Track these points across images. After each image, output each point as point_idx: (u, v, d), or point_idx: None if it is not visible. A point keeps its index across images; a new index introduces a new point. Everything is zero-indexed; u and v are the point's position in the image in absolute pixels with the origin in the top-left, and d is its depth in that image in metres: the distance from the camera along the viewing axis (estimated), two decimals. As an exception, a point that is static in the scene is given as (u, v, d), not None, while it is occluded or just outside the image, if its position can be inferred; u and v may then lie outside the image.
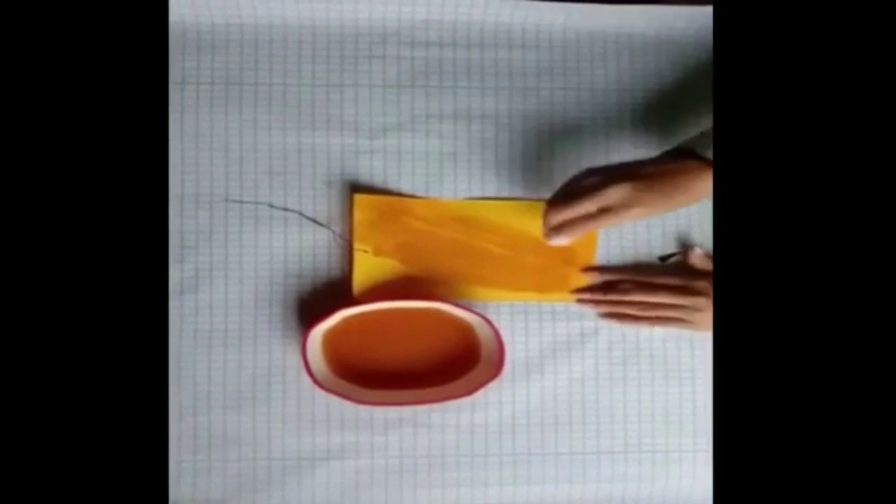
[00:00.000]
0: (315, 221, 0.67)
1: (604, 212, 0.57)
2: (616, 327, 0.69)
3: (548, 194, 0.69)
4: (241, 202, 0.67)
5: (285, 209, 0.67)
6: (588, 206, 0.57)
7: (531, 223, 0.68)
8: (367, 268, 0.67)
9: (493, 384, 0.65)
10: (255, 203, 0.67)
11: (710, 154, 0.56)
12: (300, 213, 0.67)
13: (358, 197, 0.67)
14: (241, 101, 0.67)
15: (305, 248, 0.67)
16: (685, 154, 0.58)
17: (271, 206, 0.67)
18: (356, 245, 0.67)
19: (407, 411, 0.67)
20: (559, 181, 0.68)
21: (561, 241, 0.59)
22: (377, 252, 0.67)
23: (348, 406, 0.65)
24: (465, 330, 0.67)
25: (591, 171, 0.59)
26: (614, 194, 0.56)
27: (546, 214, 0.60)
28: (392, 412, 0.67)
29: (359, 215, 0.67)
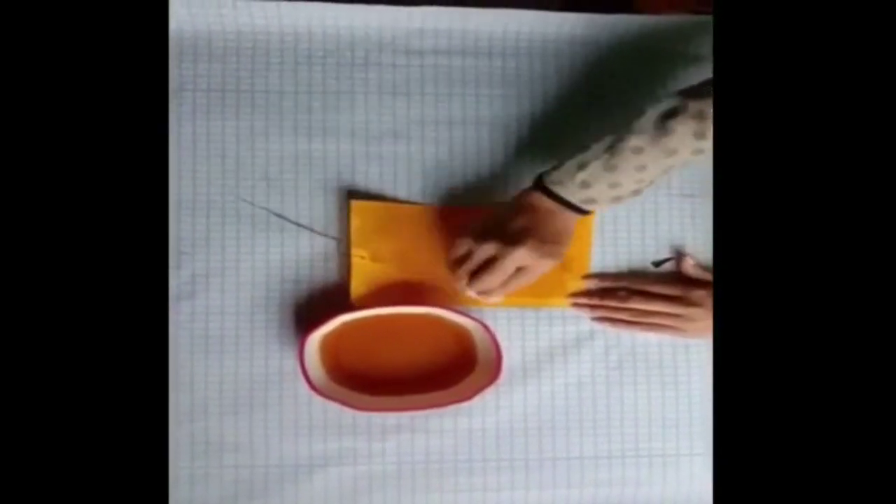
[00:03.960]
0: (312, 230, 0.67)
1: (520, 270, 0.61)
2: (611, 331, 0.70)
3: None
4: (242, 200, 0.67)
5: (281, 216, 0.67)
6: (497, 277, 0.61)
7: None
8: (365, 274, 0.67)
9: (490, 389, 0.66)
10: (253, 205, 0.67)
11: (574, 199, 0.59)
12: (298, 224, 0.67)
13: (355, 203, 0.67)
14: (239, 108, 0.67)
15: (302, 254, 0.67)
16: (547, 200, 0.60)
17: (269, 211, 0.67)
18: (353, 251, 0.67)
19: (405, 417, 0.67)
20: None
21: (493, 300, 0.63)
22: (374, 258, 0.67)
23: (346, 412, 0.65)
24: (462, 335, 0.68)
25: (476, 236, 0.61)
26: (517, 260, 0.60)
27: (468, 284, 0.62)
28: (390, 418, 0.67)
29: (356, 222, 0.67)
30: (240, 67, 0.68)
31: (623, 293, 0.69)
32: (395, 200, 0.68)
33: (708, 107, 0.55)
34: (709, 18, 0.70)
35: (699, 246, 0.71)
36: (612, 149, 0.58)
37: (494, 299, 0.63)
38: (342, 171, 0.68)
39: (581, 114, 0.71)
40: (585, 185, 0.58)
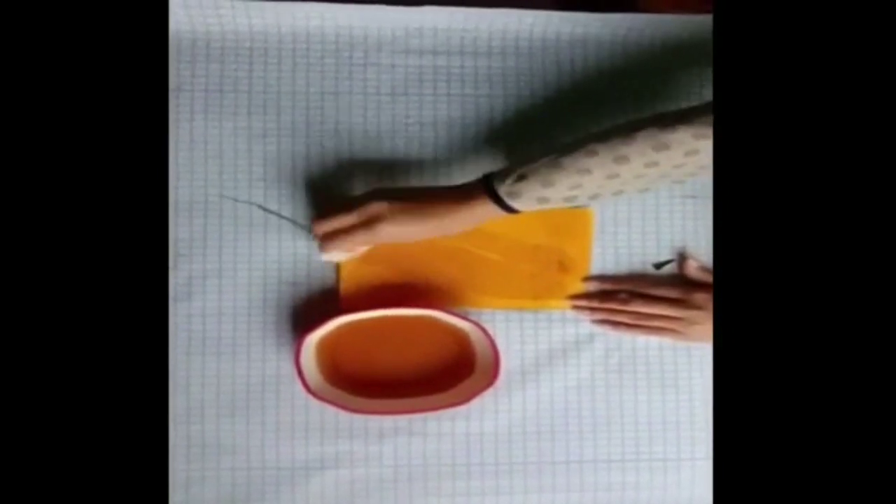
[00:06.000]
0: (307, 227, 0.67)
1: (363, 225, 0.58)
2: (612, 334, 0.69)
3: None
4: (240, 201, 0.67)
5: (279, 214, 0.67)
6: (348, 218, 0.59)
7: (525, 230, 0.68)
8: (354, 276, 0.67)
9: (488, 392, 0.65)
10: (251, 205, 0.67)
11: (501, 188, 0.57)
12: (295, 222, 0.67)
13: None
14: (236, 108, 0.67)
15: (299, 256, 0.67)
16: (479, 185, 0.58)
17: (266, 210, 0.67)
18: None
19: (402, 420, 0.67)
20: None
21: (330, 256, 0.61)
22: (364, 260, 0.66)
23: (342, 415, 0.65)
24: (459, 337, 0.67)
25: (375, 192, 0.60)
26: (372, 208, 0.58)
27: (313, 226, 0.61)
28: (387, 421, 0.66)
29: None
30: (238, 68, 0.68)
31: (624, 295, 0.68)
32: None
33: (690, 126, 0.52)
34: (710, 18, 0.70)
35: (701, 248, 0.70)
36: (568, 147, 0.55)
37: (333, 252, 0.61)
38: (341, 172, 0.68)
39: (582, 113, 0.70)
40: (521, 177, 0.56)
